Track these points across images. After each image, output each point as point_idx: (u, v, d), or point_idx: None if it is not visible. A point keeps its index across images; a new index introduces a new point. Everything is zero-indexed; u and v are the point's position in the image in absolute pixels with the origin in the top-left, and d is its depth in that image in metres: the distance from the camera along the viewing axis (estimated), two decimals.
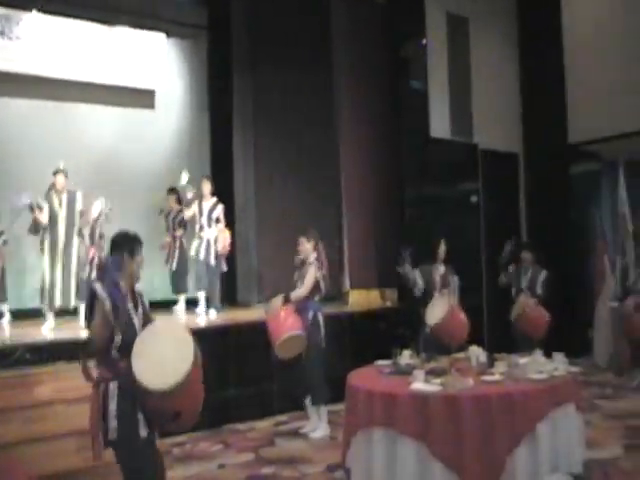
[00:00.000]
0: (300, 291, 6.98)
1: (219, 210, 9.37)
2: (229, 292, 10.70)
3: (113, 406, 3.93)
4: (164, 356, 3.82)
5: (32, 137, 10.02)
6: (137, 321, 4.12)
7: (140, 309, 4.19)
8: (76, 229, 8.30)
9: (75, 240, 8.28)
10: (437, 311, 7.61)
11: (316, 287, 7.05)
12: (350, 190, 10.25)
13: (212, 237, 9.27)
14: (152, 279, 10.47)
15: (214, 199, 9.46)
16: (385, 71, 10.40)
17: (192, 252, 9.43)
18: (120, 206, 9.71)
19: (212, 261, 9.23)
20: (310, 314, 6.98)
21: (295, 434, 7.15)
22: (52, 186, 8.22)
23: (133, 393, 3.84)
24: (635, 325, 9.23)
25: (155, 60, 11.13)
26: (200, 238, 9.33)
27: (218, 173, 11.47)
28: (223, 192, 10.92)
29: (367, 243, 10.25)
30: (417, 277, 8.10)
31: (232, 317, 9.19)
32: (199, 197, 9.47)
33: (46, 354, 6.44)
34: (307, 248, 7.13)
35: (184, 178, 9.32)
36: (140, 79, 11.01)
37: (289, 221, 10.23)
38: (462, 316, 7.83)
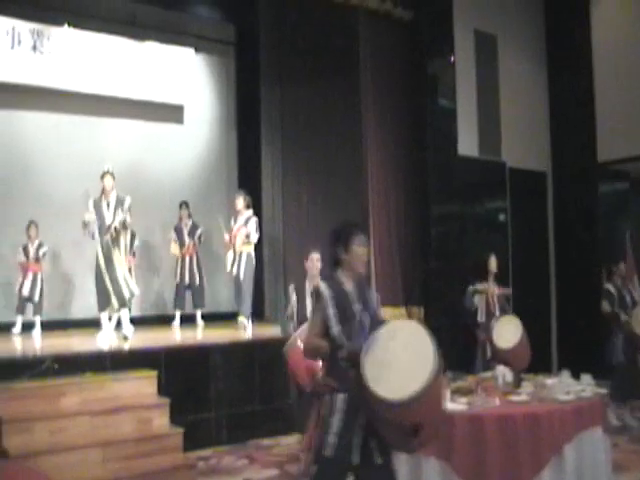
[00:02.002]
0: None
1: (252, 224, 9.48)
2: (256, 308, 10.75)
3: (336, 421, 3.60)
4: (401, 360, 3.39)
5: (61, 151, 10.16)
6: (366, 324, 3.71)
7: (370, 309, 3.80)
8: (123, 233, 8.36)
9: (122, 244, 8.33)
10: (508, 335, 7.18)
11: None
12: (377, 207, 10.21)
13: (245, 252, 9.40)
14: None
15: (248, 212, 9.59)
16: (412, 88, 10.37)
17: (228, 267, 9.55)
18: (147, 221, 9.85)
19: (241, 276, 9.36)
20: None
21: None
22: (102, 190, 8.28)
23: (357, 409, 3.51)
24: None
25: (184, 75, 11.22)
26: (234, 253, 9.43)
27: (246, 188, 11.52)
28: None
29: (393, 260, 10.20)
30: (470, 298, 7.88)
31: (259, 332, 9.21)
32: (234, 212, 9.65)
33: (73, 365, 6.47)
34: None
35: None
36: (169, 94, 11.11)
37: (316, 236, 10.24)
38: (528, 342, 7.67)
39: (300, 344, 5.47)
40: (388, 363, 3.37)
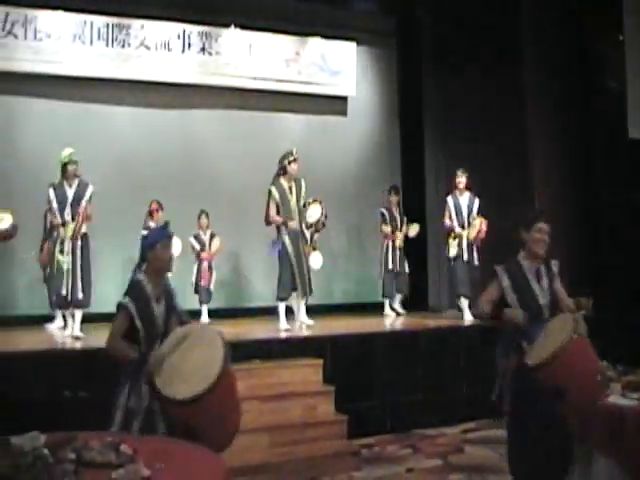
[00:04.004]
0: None
1: (477, 204, 9.16)
2: (420, 297, 10.75)
3: None
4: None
5: (230, 144, 10.59)
6: None
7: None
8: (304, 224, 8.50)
9: (306, 234, 8.54)
10: None
11: None
12: (542, 195, 9.95)
13: (472, 236, 9.02)
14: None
15: (468, 193, 9.25)
16: (578, 70, 10.00)
17: (451, 253, 9.20)
18: None
19: (475, 262, 9.04)
20: None
21: (484, 442, 7.02)
22: (286, 171, 8.27)
23: None
24: None
25: (347, 68, 11.35)
26: (459, 237, 9.12)
27: (409, 179, 11.56)
28: (414, 199, 10.96)
29: (560, 251, 9.88)
30: None
31: (422, 322, 9.20)
32: (452, 191, 9.28)
33: (242, 352, 6.73)
34: None
35: None
36: (333, 87, 11.30)
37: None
38: None
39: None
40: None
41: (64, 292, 7.53)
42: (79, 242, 7.66)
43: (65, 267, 7.54)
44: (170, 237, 4.29)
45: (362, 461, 6.38)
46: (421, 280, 10.77)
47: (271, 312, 8.65)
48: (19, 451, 2.86)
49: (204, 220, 9.54)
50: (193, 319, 9.27)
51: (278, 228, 8.17)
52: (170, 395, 3.68)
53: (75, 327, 7.59)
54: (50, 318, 8.76)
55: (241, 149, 10.58)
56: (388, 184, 11.44)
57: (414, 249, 10.43)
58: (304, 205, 8.48)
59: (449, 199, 9.36)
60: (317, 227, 9.12)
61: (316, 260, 9.35)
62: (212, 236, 9.58)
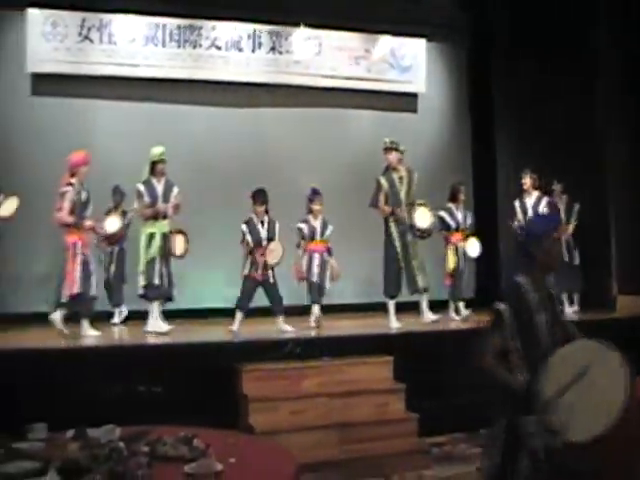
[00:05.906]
0: None
1: (543, 204, 9.00)
2: (490, 296, 10.57)
3: None
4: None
5: (301, 143, 10.65)
6: None
7: None
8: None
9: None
10: None
11: None
12: (618, 192, 9.73)
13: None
14: None
15: (537, 193, 9.11)
16: None
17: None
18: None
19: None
20: None
21: None
22: (390, 165, 8.34)
23: None
24: None
25: (416, 65, 11.30)
26: None
27: (480, 177, 11.40)
28: (485, 196, 10.83)
29: (637, 247, 9.67)
30: None
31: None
32: (519, 192, 9.19)
33: (313, 349, 6.77)
34: None
35: None
36: (403, 84, 11.26)
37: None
38: None
39: None
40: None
41: (157, 282, 7.63)
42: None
43: (157, 259, 7.67)
44: (556, 228, 3.42)
45: (432, 460, 6.35)
46: (490, 278, 10.60)
47: (353, 309, 8.87)
48: (96, 443, 2.95)
49: (317, 206, 8.51)
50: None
51: (386, 219, 8.22)
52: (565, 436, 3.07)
53: (158, 321, 7.66)
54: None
55: (311, 146, 10.62)
56: (458, 181, 11.33)
57: (487, 245, 10.28)
58: (412, 204, 8.30)
59: (516, 202, 9.26)
60: (422, 235, 8.38)
61: (473, 247, 9.18)
62: (324, 224, 8.55)
